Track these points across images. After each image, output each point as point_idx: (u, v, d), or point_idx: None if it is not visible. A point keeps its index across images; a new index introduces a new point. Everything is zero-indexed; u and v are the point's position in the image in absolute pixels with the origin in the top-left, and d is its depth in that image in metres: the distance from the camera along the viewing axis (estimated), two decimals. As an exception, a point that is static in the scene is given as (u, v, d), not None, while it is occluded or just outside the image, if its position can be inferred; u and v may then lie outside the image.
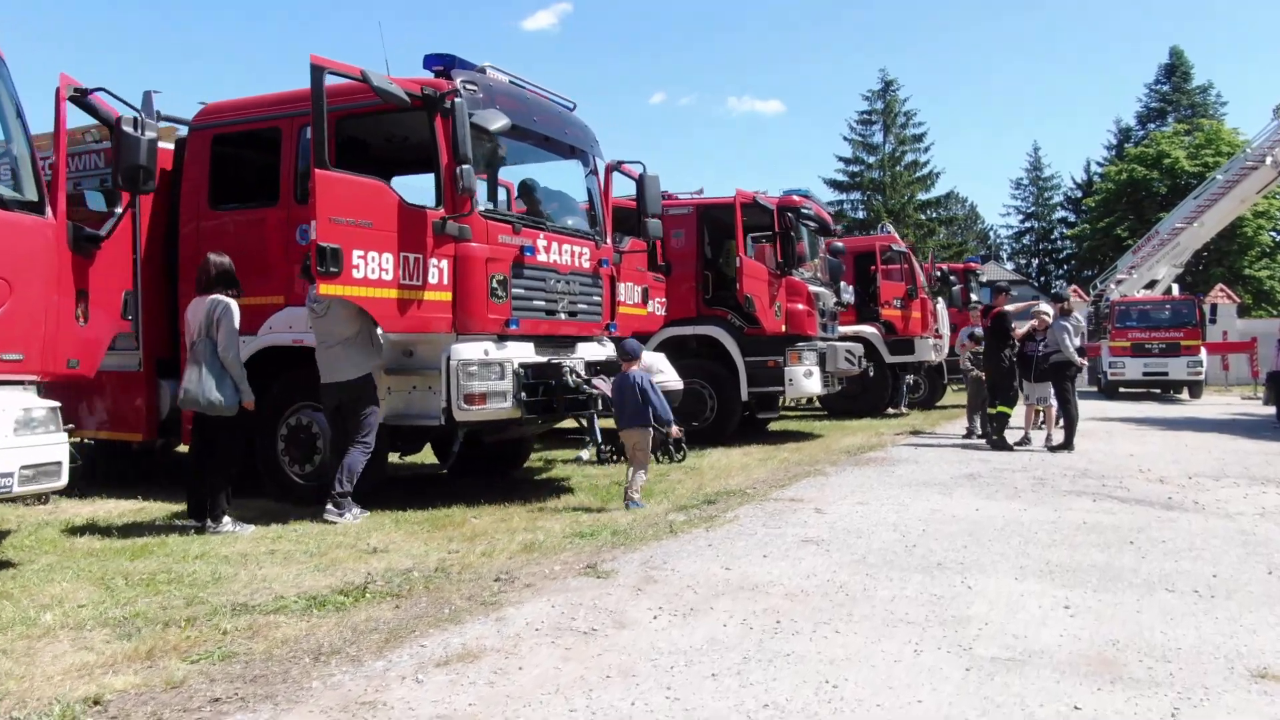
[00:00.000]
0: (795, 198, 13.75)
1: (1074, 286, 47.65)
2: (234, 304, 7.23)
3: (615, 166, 10.50)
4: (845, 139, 57.19)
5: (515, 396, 8.06)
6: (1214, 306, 30.88)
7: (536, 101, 9.04)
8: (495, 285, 8.04)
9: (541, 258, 8.56)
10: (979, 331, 14.32)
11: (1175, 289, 32.43)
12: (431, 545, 6.28)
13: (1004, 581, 5.07)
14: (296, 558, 5.88)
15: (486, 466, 10.50)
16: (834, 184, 57.32)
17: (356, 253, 7.06)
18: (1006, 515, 7.18)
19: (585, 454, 11.84)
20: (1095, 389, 30.16)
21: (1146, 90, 57.25)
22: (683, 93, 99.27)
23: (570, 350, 9.10)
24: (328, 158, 6.98)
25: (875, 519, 6.94)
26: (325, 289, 6.90)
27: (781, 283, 13.40)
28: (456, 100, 7.57)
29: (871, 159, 56.42)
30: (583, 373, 8.75)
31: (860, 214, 55.10)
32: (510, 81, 8.85)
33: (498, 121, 7.93)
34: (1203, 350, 27.86)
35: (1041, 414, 13.48)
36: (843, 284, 14.34)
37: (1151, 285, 32.91)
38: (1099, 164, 59.95)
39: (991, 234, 73.66)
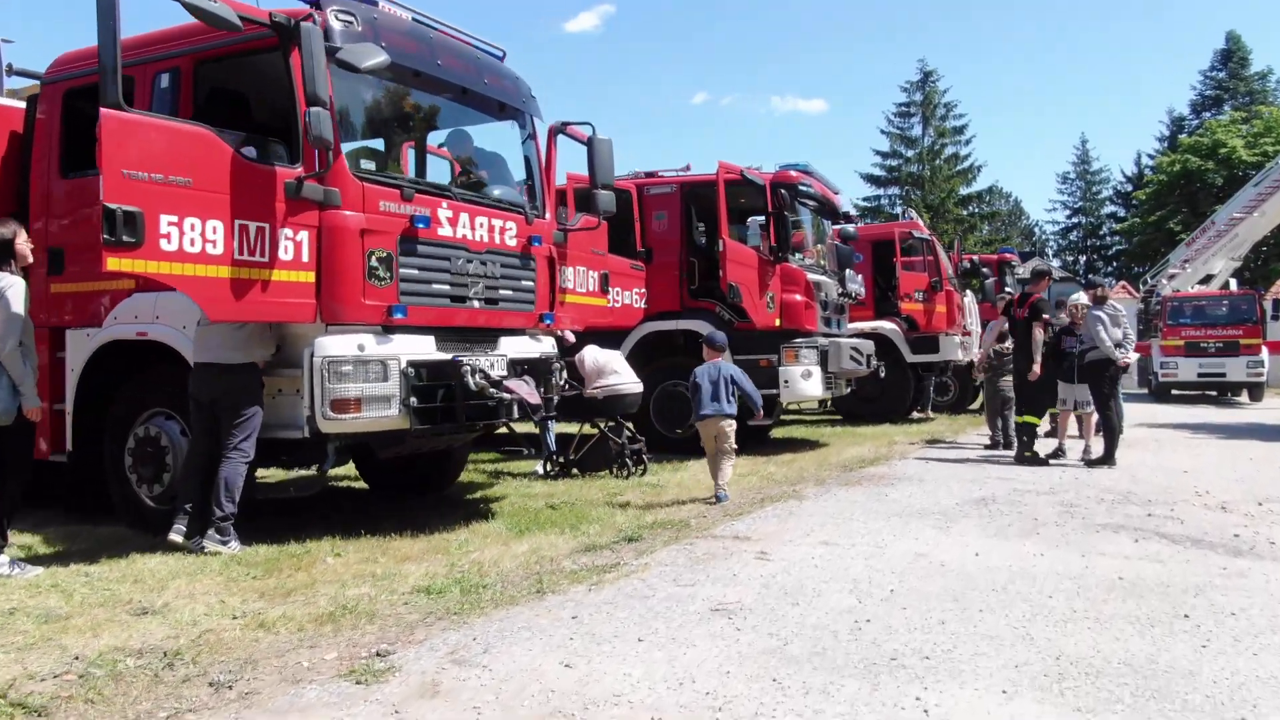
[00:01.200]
0: (792, 173, 11.91)
1: (1123, 283, 44.95)
2: (18, 284, 5.65)
3: (560, 129, 8.78)
4: (883, 132, 54.79)
5: (403, 402, 6.40)
6: (1276, 302, 28.28)
7: (444, 43, 7.35)
8: (375, 264, 6.36)
9: (444, 231, 6.87)
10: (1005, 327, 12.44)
11: (1233, 284, 29.98)
12: (230, 602, 4.63)
13: (984, 699, 3.26)
14: (19, 624, 4.26)
15: (418, 483, 8.88)
16: (871, 179, 55.03)
17: (167, 218, 5.41)
18: (1015, 563, 5.34)
19: (540, 467, 10.15)
20: (1146, 391, 27.81)
21: (1201, 77, 54.12)
22: (725, 92, 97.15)
23: (491, 346, 7.42)
24: (120, 95, 5.36)
25: (834, 569, 5.15)
26: (115, 263, 5.27)
27: (775, 270, 11.58)
28: (306, 26, 5.91)
29: (910, 153, 54.00)
30: (496, 372, 7.06)
31: (898, 209, 52.71)
32: (414, 19, 7.20)
33: (371, 58, 6.25)
34: (1264, 349, 25.44)
35: (1081, 421, 11.53)
36: (849, 273, 12.47)
37: (1207, 280, 30.41)
38: (1150, 156, 56.90)
39: (1037, 230, 70.68)
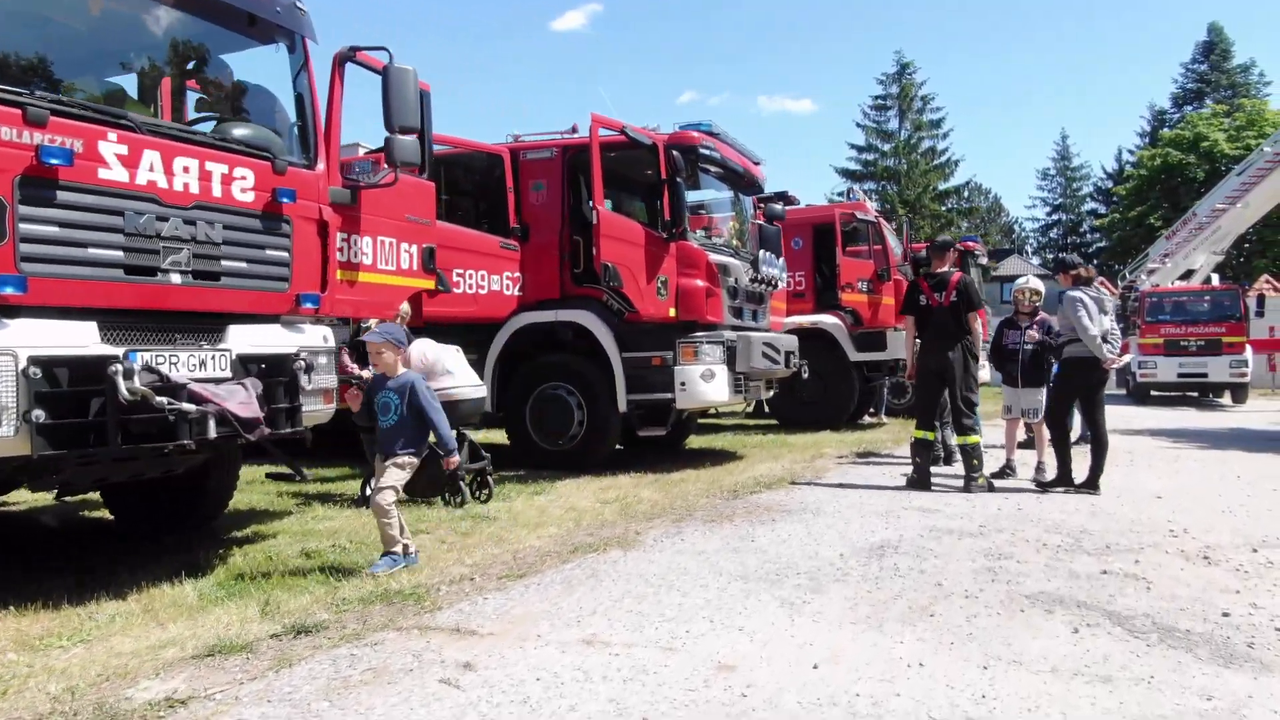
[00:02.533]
0: (693, 133, 9.80)
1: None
2: None
3: (347, 56, 6.67)
4: (859, 125, 52.77)
5: (20, 418, 4.31)
6: (1261, 298, 26.31)
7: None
8: (-33, 215, 4.28)
9: (112, 174, 4.77)
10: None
11: (1215, 279, 28.03)
12: None
13: None
14: None
15: (168, 516, 6.79)
16: (847, 173, 52.95)
17: None
18: (868, 688, 3.25)
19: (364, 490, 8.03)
20: (1124, 392, 25.83)
21: (1183, 70, 52.16)
22: (713, 91, 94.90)
23: (212, 337, 5.33)
24: None
25: (554, 708, 3.06)
26: None
27: (669, 250, 9.48)
28: None
29: (886, 146, 51.95)
30: (183, 373, 4.95)
31: (874, 204, 50.67)
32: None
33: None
34: (1248, 348, 23.48)
35: (1032, 432, 9.49)
36: (765, 255, 10.38)
37: (1188, 275, 28.40)
38: (1131, 152, 54.92)
39: (1017, 227, 68.87)
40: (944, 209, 51.77)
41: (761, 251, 10.26)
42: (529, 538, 6.03)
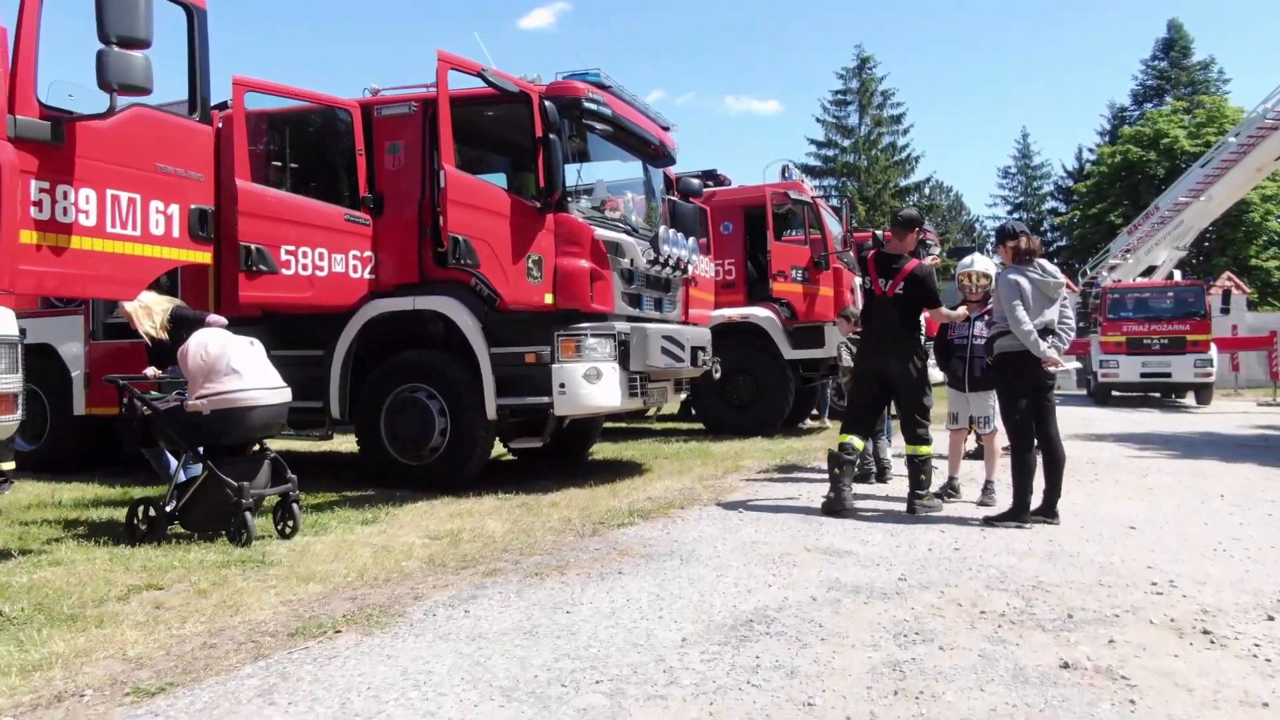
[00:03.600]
0: (576, 83, 8.06)
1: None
2: None
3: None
4: (818, 120, 51.36)
5: None
6: (1227, 294, 25.12)
7: None
8: None
9: None
10: (854, 310, 8.81)
11: (1177, 275, 26.75)
12: None
13: None
14: None
15: None
16: (807, 169, 51.34)
17: None
18: None
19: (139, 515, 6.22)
20: (1085, 393, 24.46)
21: (1143, 67, 51.14)
22: (681, 91, 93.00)
23: None
24: None
25: None
26: None
27: (544, 223, 7.75)
28: None
29: (846, 142, 50.65)
30: None
31: (834, 201, 49.22)
32: None
33: None
34: (1213, 346, 22.16)
35: (982, 444, 7.88)
36: (667, 232, 8.65)
37: (1149, 272, 27.18)
38: (1091, 150, 53.88)
39: (978, 225, 67.74)
40: (904, 205, 50.45)
41: (664, 229, 8.53)
42: (273, 600, 4.28)
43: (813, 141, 51.22)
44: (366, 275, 8.12)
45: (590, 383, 7.74)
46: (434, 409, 8.03)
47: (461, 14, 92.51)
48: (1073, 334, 6.36)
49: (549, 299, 7.75)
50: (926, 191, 53.67)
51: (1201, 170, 25.30)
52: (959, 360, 7.31)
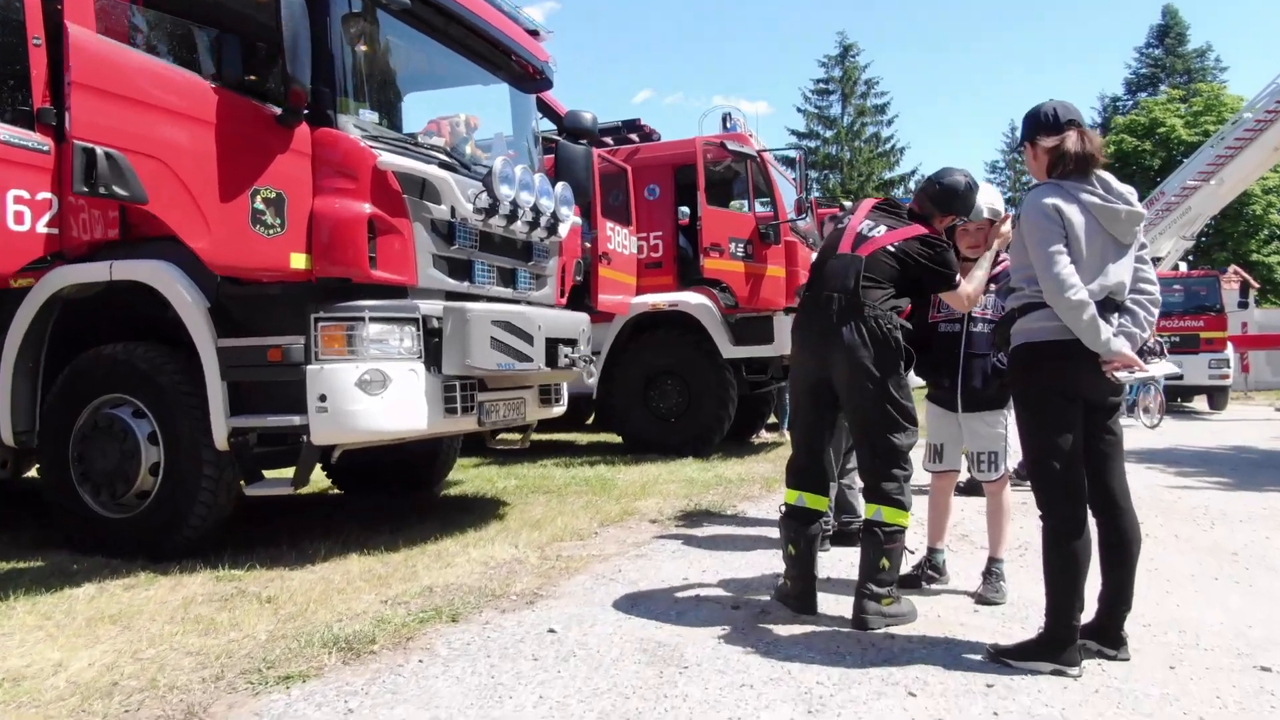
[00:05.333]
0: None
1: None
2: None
3: None
4: (799, 110, 48.46)
5: None
6: (1245, 286, 22.46)
7: None
8: None
9: None
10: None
11: (1183, 267, 24.12)
12: None
13: None
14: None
15: None
16: (787, 161, 48.62)
17: None
18: None
19: None
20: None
21: (1137, 55, 48.39)
22: (669, 91, 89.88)
23: None
24: None
25: None
26: None
27: (289, 141, 4.84)
28: None
29: (828, 133, 47.74)
30: None
31: (815, 194, 46.36)
32: None
33: None
34: (1229, 346, 19.48)
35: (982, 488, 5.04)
36: (512, 170, 5.70)
37: (1154, 263, 24.49)
38: (1082, 142, 51.20)
39: (965, 222, 65.05)
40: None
41: (502, 163, 5.60)
42: None
43: (794, 132, 48.22)
44: (42, 228, 5.22)
45: (369, 394, 4.85)
46: (140, 433, 5.14)
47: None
48: (1157, 309, 3.50)
49: (300, 262, 4.84)
50: (912, 185, 50.82)
51: (1213, 150, 22.58)
52: (947, 356, 4.42)
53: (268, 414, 4.90)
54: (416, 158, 5.30)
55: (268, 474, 5.17)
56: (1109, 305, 3.26)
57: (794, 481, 4.06)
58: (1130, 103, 46.17)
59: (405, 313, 5.06)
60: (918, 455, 4.31)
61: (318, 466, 5.65)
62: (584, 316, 6.62)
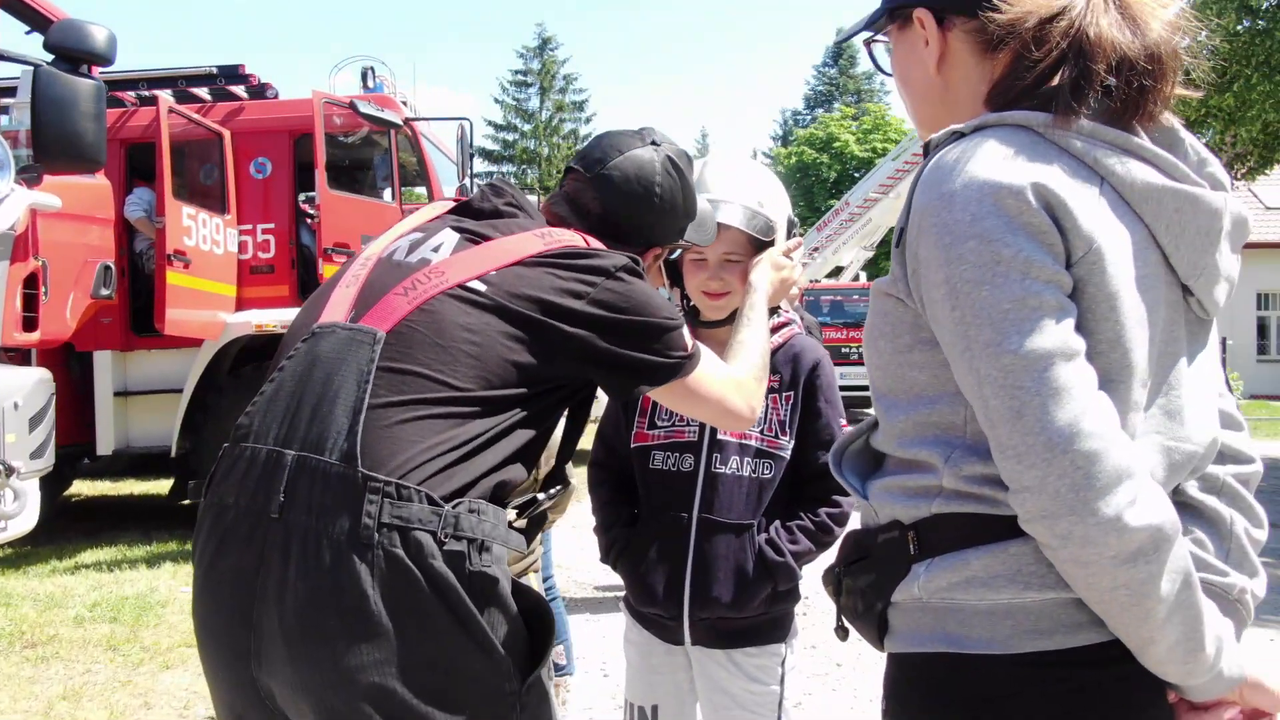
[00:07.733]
0: None
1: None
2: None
3: None
4: (496, 101, 46.13)
5: None
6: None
7: None
8: None
9: None
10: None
11: (864, 276, 24.79)
12: None
13: None
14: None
15: None
16: (485, 154, 46.14)
17: None
18: None
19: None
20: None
21: (815, 72, 51.47)
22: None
23: None
24: None
25: None
26: None
27: None
28: None
29: (527, 126, 45.90)
30: None
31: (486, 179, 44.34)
32: None
33: None
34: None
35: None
36: None
37: (836, 273, 24.98)
38: (767, 154, 53.53)
39: (660, 225, 66.39)
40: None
41: None
42: None
43: (491, 124, 45.88)
44: None
45: None
46: None
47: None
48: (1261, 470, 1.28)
49: None
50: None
51: (892, 164, 23.14)
52: (659, 540, 2.08)
53: None
54: None
55: None
56: (1189, 508, 1.08)
57: None
58: (810, 117, 48.67)
59: None
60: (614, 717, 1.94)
61: None
62: (26, 373, 3.67)
